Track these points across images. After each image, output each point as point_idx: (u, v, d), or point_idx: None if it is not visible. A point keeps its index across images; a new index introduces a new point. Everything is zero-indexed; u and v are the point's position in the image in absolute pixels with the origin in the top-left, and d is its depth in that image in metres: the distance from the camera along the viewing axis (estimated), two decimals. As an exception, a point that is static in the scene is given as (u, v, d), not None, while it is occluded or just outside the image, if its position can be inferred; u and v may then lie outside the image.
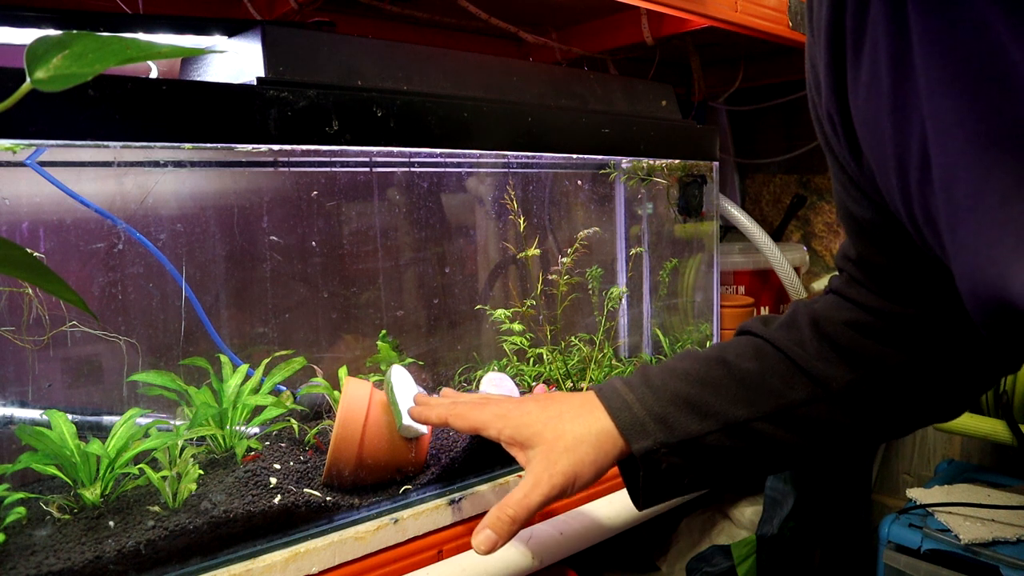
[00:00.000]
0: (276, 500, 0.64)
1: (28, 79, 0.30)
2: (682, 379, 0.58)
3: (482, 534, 0.55)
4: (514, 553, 0.74)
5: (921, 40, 0.36)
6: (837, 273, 0.59)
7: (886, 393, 0.55)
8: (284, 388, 0.83)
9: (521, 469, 0.80)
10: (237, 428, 0.75)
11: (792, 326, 0.58)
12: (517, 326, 0.98)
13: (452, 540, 0.72)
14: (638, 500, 0.59)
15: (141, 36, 0.76)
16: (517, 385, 0.90)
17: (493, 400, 0.64)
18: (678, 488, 0.58)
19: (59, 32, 0.31)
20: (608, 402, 0.58)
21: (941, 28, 0.35)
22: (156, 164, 0.75)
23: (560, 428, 0.57)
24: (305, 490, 0.68)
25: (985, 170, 0.33)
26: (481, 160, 1.04)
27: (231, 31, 0.75)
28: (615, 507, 0.84)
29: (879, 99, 0.40)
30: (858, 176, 0.47)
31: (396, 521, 0.68)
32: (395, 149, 0.75)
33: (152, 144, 0.61)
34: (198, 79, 0.75)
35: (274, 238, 0.86)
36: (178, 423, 0.72)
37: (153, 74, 0.81)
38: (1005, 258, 0.33)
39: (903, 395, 0.56)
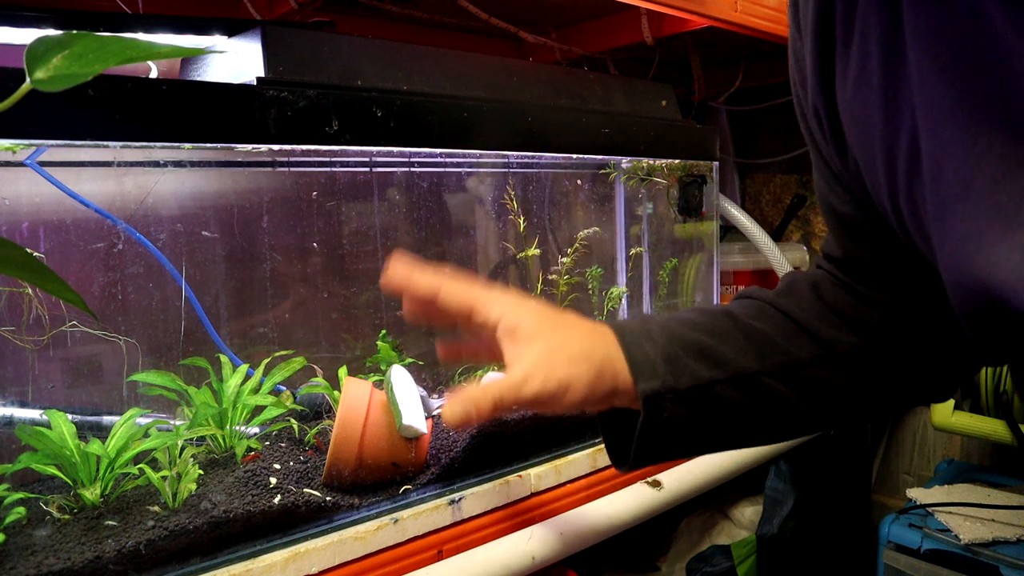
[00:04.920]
0: (276, 500, 0.64)
1: (28, 79, 0.30)
2: (690, 327, 0.56)
3: (460, 406, 0.49)
4: (514, 553, 0.73)
5: (914, 31, 0.36)
6: (819, 261, 0.58)
7: (888, 360, 0.55)
8: (284, 388, 0.83)
9: (522, 469, 0.80)
10: (237, 428, 0.75)
11: (791, 293, 0.58)
12: (517, 326, 0.97)
13: (452, 540, 0.72)
14: (627, 454, 0.55)
15: (141, 36, 0.76)
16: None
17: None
18: (672, 446, 0.55)
19: (59, 32, 0.31)
20: (622, 334, 0.54)
21: (935, 17, 0.35)
22: (156, 164, 0.75)
23: (568, 337, 0.53)
24: (305, 490, 0.68)
25: (976, 158, 0.33)
26: (481, 160, 1.04)
27: (231, 31, 0.75)
28: (615, 507, 0.84)
29: (868, 92, 0.40)
30: (842, 172, 0.47)
31: (396, 521, 0.68)
32: (395, 149, 0.75)
33: (152, 144, 0.61)
34: (198, 79, 0.75)
35: (273, 239, 0.86)
36: (178, 423, 0.72)
37: (153, 74, 0.81)
38: (992, 245, 0.33)
39: (904, 364, 0.55)
